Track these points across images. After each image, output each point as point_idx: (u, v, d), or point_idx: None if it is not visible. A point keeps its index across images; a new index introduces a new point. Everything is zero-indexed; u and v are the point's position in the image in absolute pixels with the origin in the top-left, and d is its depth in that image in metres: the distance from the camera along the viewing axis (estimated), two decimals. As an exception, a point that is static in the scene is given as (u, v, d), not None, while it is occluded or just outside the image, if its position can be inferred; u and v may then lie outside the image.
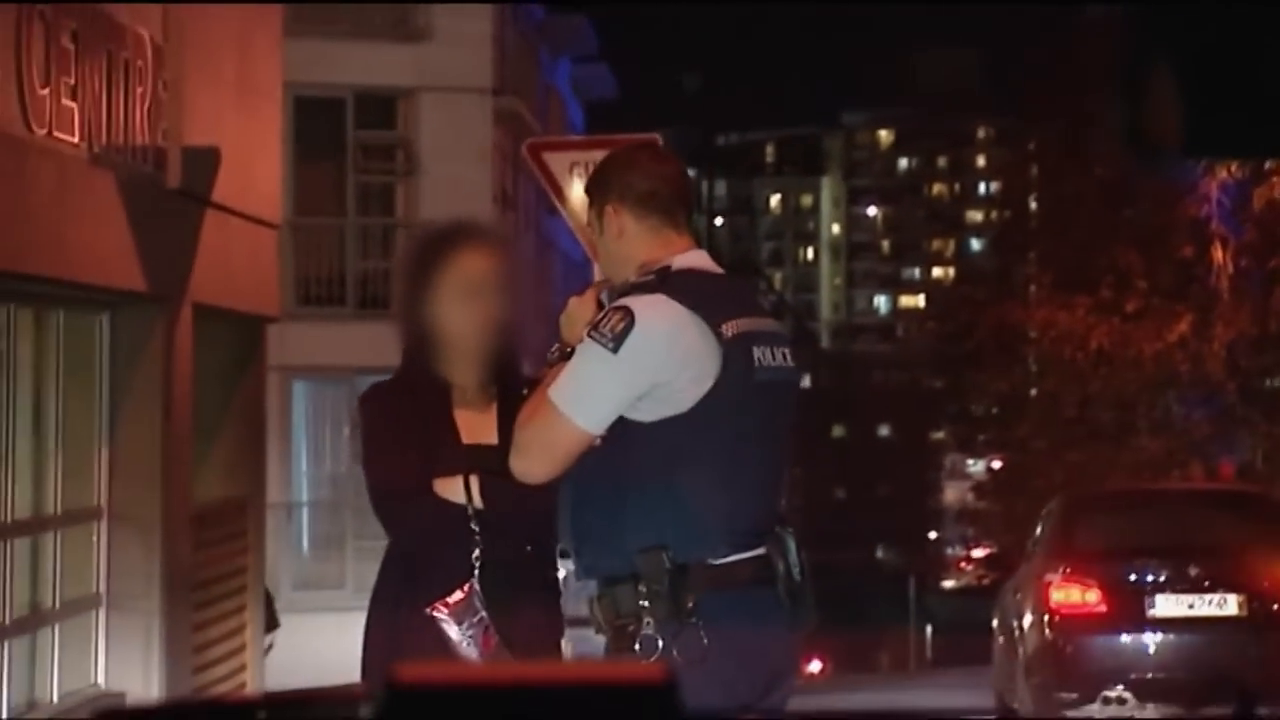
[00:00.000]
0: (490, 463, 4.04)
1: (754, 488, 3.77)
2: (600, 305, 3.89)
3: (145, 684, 9.40)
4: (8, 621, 8.65)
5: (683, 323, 3.68)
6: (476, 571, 4.06)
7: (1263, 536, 11.37)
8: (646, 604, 3.64)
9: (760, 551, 3.74)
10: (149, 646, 9.51)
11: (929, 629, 42.88)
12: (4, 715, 8.45)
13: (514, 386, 4.21)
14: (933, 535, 76.02)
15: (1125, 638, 10.83)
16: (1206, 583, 10.86)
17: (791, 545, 3.78)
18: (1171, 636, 10.78)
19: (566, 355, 3.82)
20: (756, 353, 3.75)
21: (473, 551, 4.05)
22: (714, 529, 3.69)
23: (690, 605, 3.64)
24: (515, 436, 3.79)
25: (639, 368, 3.64)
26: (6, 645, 8.63)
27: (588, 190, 4.00)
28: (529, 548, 4.13)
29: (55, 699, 9.03)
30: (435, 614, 4.04)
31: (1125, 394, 26.01)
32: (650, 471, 3.67)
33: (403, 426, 4.13)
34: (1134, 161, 24.73)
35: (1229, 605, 10.81)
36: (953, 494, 74.04)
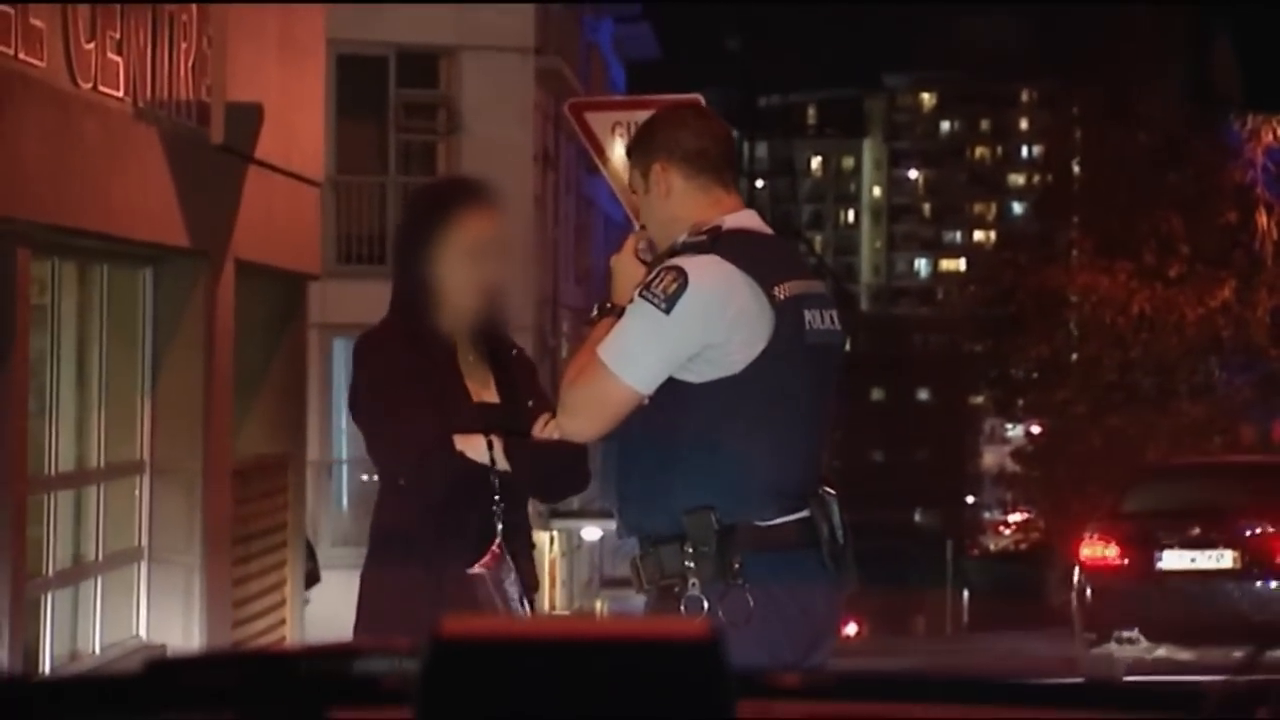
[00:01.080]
0: (498, 421, 4.07)
1: (800, 450, 3.77)
2: (640, 258, 3.88)
3: (186, 636, 9.47)
4: (51, 574, 8.71)
5: (735, 284, 3.66)
6: (500, 530, 4.07)
7: None
8: (692, 564, 3.64)
9: (805, 514, 3.74)
10: (190, 599, 9.57)
11: (966, 593, 42.84)
12: (48, 665, 8.52)
13: (504, 346, 4.26)
14: (970, 499, 75.90)
15: (1139, 587, 12.23)
16: (1212, 540, 12.23)
17: (835, 508, 3.78)
18: (1180, 586, 12.19)
19: (607, 312, 3.80)
20: (808, 316, 3.74)
21: (494, 511, 4.06)
22: (761, 491, 3.70)
23: (736, 566, 3.64)
24: (563, 395, 3.78)
25: (691, 329, 3.63)
26: (50, 597, 8.70)
27: (631, 149, 3.97)
28: (524, 509, 4.19)
29: (98, 650, 9.10)
30: (475, 573, 4.04)
31: (1167, 359, 25.89)
32: (699, 432, 3.66)
33: (417, 380, 4.11)
34: (1193, 116, 24.52)
35: (1225, 559, 12.23)
36: (991, 458, 73.87)
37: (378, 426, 4.16)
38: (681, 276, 3.64)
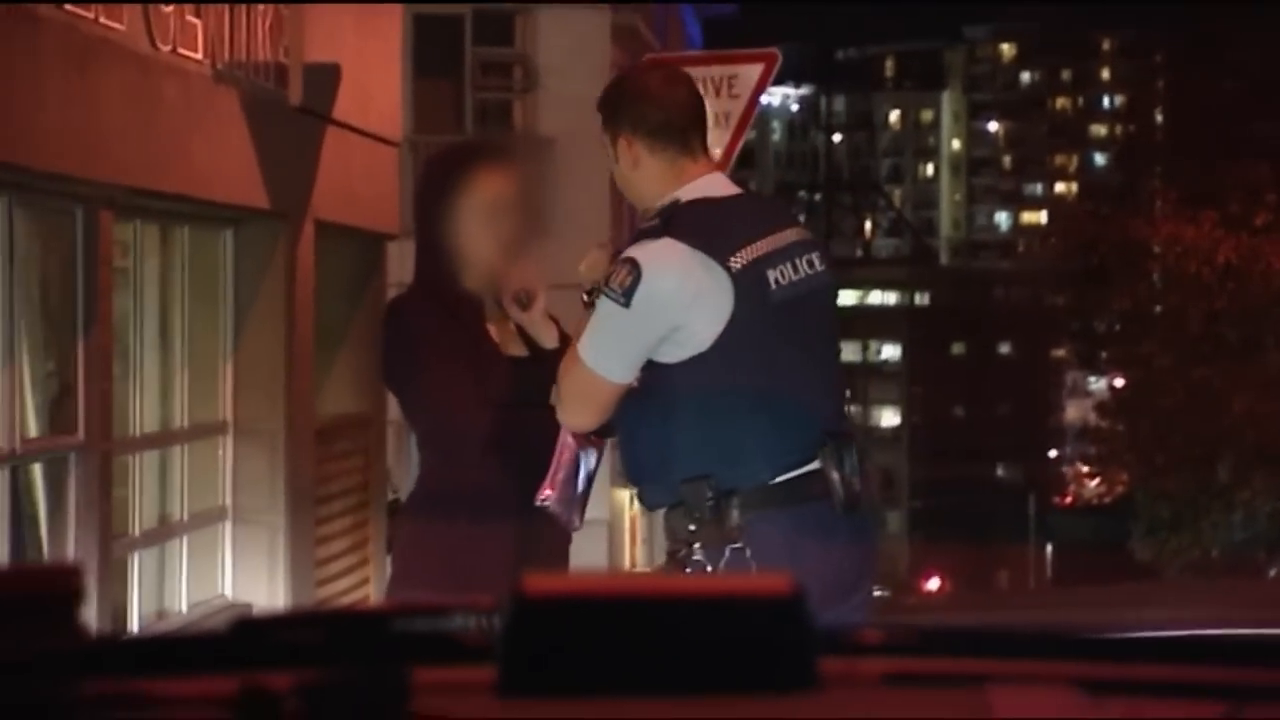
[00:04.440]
0: (528, 374, 4.14)
1: (797, 405, 3.78)
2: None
3: (270, 596, 9.56)
4: (138, 533, 8.81)
5: (689, 265, 3.69)
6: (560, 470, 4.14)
7: None
8: (693, 529, 3.73)
9: (814, 466, 3.75)
10: (273, 559, 9.66)
11: (1049, 547, 42.65)
12: (135, 624, 8.63)
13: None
14: (1053, 453, 75.46)
15: None
16: None
17: (849, 455, 3.77)
18: None
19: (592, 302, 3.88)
20: (771, 275, 3.74)
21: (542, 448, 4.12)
22: (755, 453, 3.73)
23: (735, 529, 3.70)
24: (558, 388, 3.87)
25: (651, 317, 3.69)
26: (137, 556, 8.80)
27: (601, 118, 3.95)
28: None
29: (184, 609, 9.21)
30: (545, 501, 4.11)
31: (1253, 310, 25.59)
32: (684, 408, 3.73)
33: (446, 341, 4.17)
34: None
35: None
36: (1074, 412, 73.37)
37: (412, 390, 4.23)
38: (635, 268, 3.69)
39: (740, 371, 3.71)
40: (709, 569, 3.69)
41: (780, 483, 3.73)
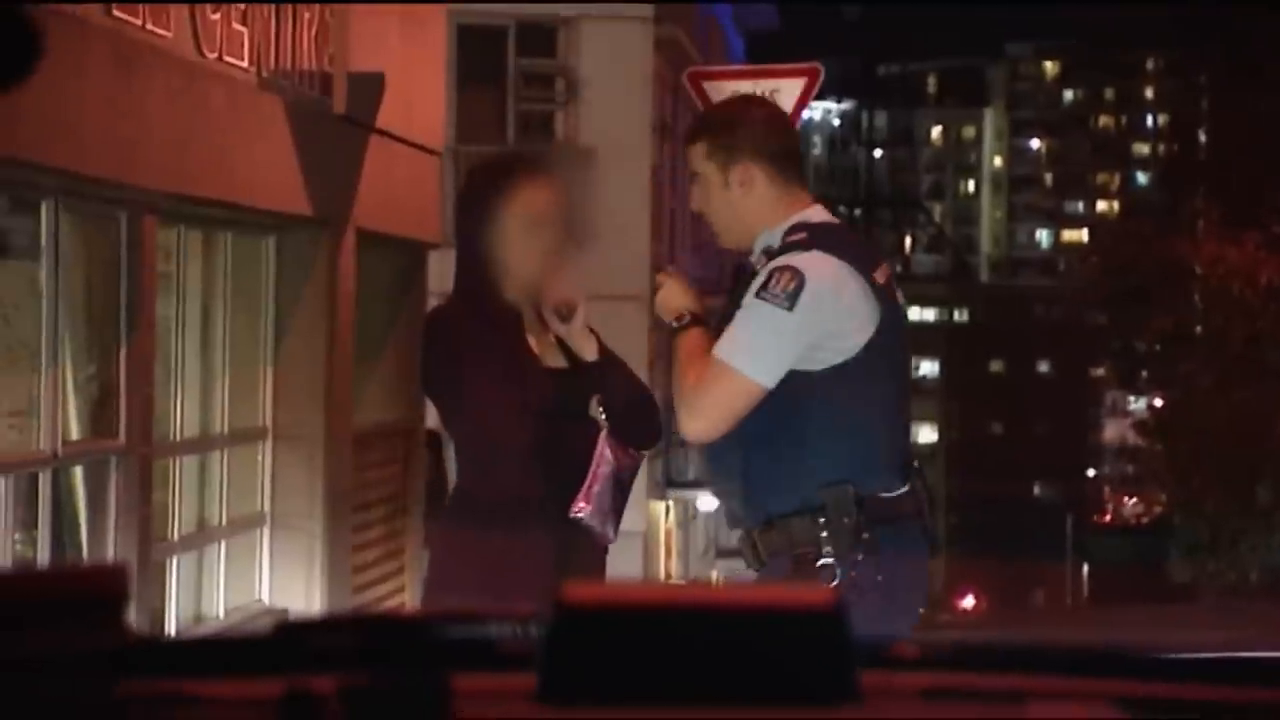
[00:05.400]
0: (567, 386, 4.19)
1: (905, 423, 4.04)
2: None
3: (307, 601, 9.59)
4: (176, 538, 8.85)
5: (843, 276, 3.86)
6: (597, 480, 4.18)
7: None
8: (826, 534, 3.82)
9: (910, 485, 3.94)
10: (311, 565, 9.69)
11: (1085, 566, 42.46)
12: (173, 627, 8.66)
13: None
14: (1091, 472, 75.11)
15: None
16: None
17: (924, 478, 4.01)
18: None
19: (690, 323, 3.97)
20: (899, 296, 3.99)
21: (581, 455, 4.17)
22: (885, 464, 3.90)
23: (866, 536, 3.81)
24: (684, 397, 3.92)
25: (812, 322, 3.82)
26: (175, 560, 8.84)
27: (709, 144, 4.05)
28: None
29: (222, 614, 9.24)
30: (579, 513, 4.14)
31: (1295, 332, 25.45)
32: (826, 415, 3.85)
33: (486, 352, 4.20)
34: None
35: None
36: (1112, 431, 73.03)
37: (451, 399, 4.26)
38: (798, 275, 3.83)
39: (878, 382, 3.89)
40: (839, 574, 3.78)
41: (897, 496, 3.90)
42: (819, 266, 3.84)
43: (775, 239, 3.95)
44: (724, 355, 3.86)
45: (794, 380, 3.84)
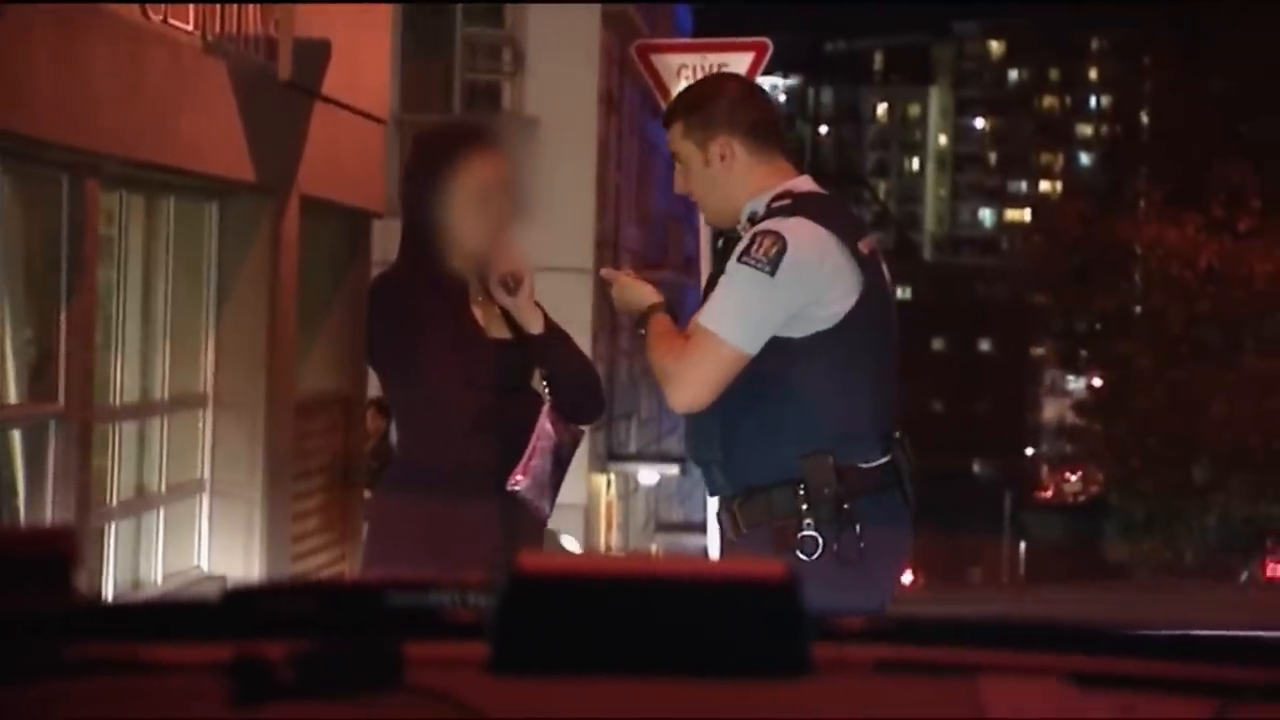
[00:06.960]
0: (511, 358, 4.17)
1: (888, 394, 3.96)
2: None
3: (246, 568, 9.55)
4: (115, 503, 8.79)
5: (826, 243, 3.82)
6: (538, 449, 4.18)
7: None
8: (806, 506, 3.78)
9: (891, 455, 3.90)
10: (250, 532, 9.64)
11: (1023, 544, 42.78)
12: (110, 593, 8.61)
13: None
14: (1030, 451, 75.60)
15: None
16: None
17: (908, 450, 3.95)
18: None
19: (653, 311, 3.94)
20: (884, 267, 3.95)
21: (520, 426, 4.16)
22: (866, 434, 3.86)
23: (846, 506, 3.78)
24: (667, 370, 3.88)
25: (794, 288, 3.78)
26: (114, 526, 8.79)
27: (686, 123, 4.05)
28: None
29: (160, 580, 9.19)
30: (516, 486, 4.13)
31: (1233, 313, 25.68)
32: (806, 384, 3.82)
33: (431, 322, 4.17)
34: (1270, 63, 24.21)
35: None
36: (1052, 410, 73.52)
37: (394, 368, 4.24)
38: (780, 239, 3.79)
39: (859, 351, 3.84)
40: (821, 544, 3.75)
41: (877, 466, 3.85)
42: (801, 232, 3.80)
43: (760, 206, 3.93)
44: (707, 323, 3.83)
45: (774, 348, 3.81)
